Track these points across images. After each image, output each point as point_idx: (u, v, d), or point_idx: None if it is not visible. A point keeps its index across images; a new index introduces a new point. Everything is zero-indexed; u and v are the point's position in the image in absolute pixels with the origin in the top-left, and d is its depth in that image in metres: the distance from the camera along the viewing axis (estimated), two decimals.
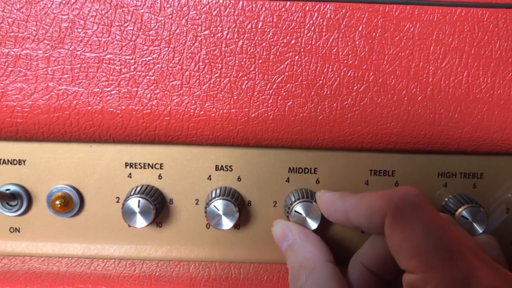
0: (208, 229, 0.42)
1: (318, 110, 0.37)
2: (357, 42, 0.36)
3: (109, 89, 0.36)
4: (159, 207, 0.39)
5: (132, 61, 0.36)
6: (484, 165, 0.41)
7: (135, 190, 0.39)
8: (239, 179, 0.41)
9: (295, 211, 0.39)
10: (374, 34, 0.36)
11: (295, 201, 0.39)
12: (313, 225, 0.39)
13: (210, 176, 0.41)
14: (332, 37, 0.36)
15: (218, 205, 0.38)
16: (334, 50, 0.36)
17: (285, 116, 0.37)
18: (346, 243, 0.43)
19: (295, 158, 0.41)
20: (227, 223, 0.38)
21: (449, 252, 0.27)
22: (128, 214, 0.38)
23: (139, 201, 0.38)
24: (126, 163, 0.41)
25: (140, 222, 0.38)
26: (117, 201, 0.41)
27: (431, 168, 0.41)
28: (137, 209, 0.38)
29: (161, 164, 0.41)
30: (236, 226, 0.42)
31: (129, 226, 0.38)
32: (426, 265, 0.27)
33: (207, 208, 0.38)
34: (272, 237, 0.40)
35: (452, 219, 0.36)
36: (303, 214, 0.39)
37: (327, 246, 0.37)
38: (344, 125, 0.37)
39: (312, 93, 0.37)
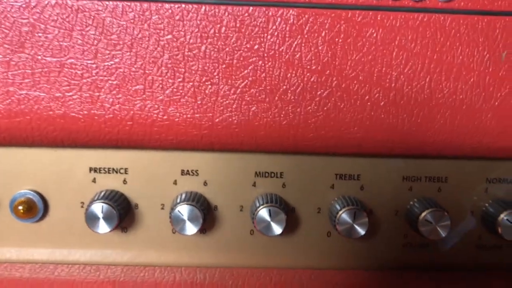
0: (174, 234, 0.42)
1: (282, 115, 0.37)
2: (320, 48, 0.36)
3: (70, 93, 0.36)
4: (123, 213, 0.39)
5: (94, 65, 0.35)
6: (448, 169, 0.42)
7: (99, 195, 0.39)
8: (205, 183, 0.41)
9: (260, 215, 0.39)
10: (337, 39, 0.36)
11: (260, 205, 0.39)
12: (278, 230, 0.39)
13: (175, 180, 0.41)
14: (295, 43, 0.36)
15: (183, 210, 0.38)
16: (297, 56, 0.36)
17: (249, 121, 0.37)
18: (314, 246, 0.43)
19: (261, 162, 0.41)
20: (191, 229, 0.38)
21: None
22: (91, 219, 0.38)
23: (102, 206, 0.38)
24: (90, 167, 0.40)
25: (103, 227, 0.38)
26: (82, 206, 0.41)
27: (396, 172, 0.41)
28: (100, 215, 0.38)
29: (126, 168, 0.40)
30: (203, 230, 0.42)
31: (93, 231, 0.38)
32: None
33: (172, 213, 0.38)
34: (238, 241, 0.40)
35: None
36: (268, 219, 0.39)
37: None
38: (308, 130, 0.37)
39: (276, 98, 0.37)
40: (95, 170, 0.40)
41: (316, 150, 0.39)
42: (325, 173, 0.41)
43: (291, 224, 0.42)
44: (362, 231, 0.39)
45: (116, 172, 0.40)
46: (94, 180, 0.40)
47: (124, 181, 0.41)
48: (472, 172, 0.42)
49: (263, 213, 0.39)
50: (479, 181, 0.42)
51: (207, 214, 0.40)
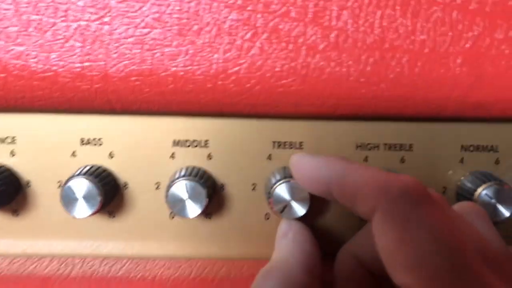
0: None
1: (194, 63, 0.29)
2: None
3: None
4: (6, 190, 0.31)
5: None
6: (413, 134, 0.34)
7: None
8: (111, 155, 0.33)
9: (173, 193, 0.31)
10: None
11: (175, 180, 0.31)
12: (195, 210, 0.31)
13: (74, 152, 0.33)
14: None
15: (77, 186, 0.30)
16: None
17: (153, 71, 0.29)
18: (248, 232, 0.35)
19: (181, 127, 0.33)
20: (83, 210, 0.30)
21: (461, 266, 0.20)
22: None
23: None
24: None
25: None
26: None
27: (347, 139, 0.33)
28: None
29: (13, 137, 0.33)
30: (111, 213, 0.34)
31: None
32: (429, 281, 0.20)
33: (62, 190, 0.30)
34: (154, 226, 0.33)
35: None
36: (184, 196, 0.31)
37: (318, 262, 0.29)
38: (228, 82, 0.30)
39: (186, 41, 0.29)
40: None
41: (243, 110, 0.31)
42: (259, 141, 0.33)
43: (220, 204, 0.34)
44: (302, 210, 0.31)
45: (2, 142, 0.33)
46: None
47: (12, 153, 0.33)
48: (442, 137, 0.34)
49: (178, 189, 0.31)
50: (452, 149, 0.34)
51: (108, 193, 0.32)
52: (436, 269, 0.21)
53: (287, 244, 0.30)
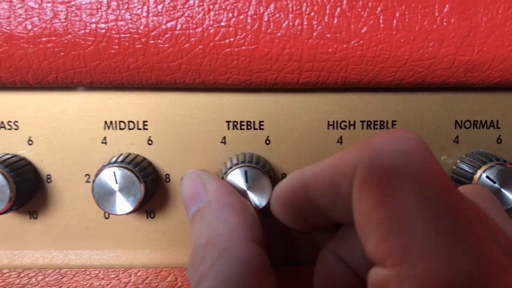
0: None
1: (119, 18, 0.24)
2: None
3: None
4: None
5: None
6: (396, 108, 0.28)
7: None
8: (30, 141, 0.27)
9: (101, 181, 0.25)
10: None
11: (107, 165, 0.25)
12: (125, 207, 0.25)
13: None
14: None
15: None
16: None
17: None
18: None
19: (112, 106, 0.27)
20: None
21: (457, 236, 0.15)
22: None
23: None
24: None
25: None
26: None
27: (316, 115, 0.28)
28: None
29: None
30: (33, 214, 0.28)
31: None
32: (408, 253, 0.14)
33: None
34: (86, 227, 0.26)
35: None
36: (114, 189, 0.25)
37: (256, 218, 0.23)
38: (162, 41, 0.24)
39: None
40: None
41: (183, 80, 0.25)
42: (213, 121, 0.27)
43: (165, 200, 0.28)
44: (261, 201, 0.25)
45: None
46: None
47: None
48: (432, 112, 0.28)
49: (105, 177, 0.25)
50: (444, 126, 0.28)
51: (19, 187, 0.26)
52: (420, 236, 0.14)
53: (211, 210, 0.23)
